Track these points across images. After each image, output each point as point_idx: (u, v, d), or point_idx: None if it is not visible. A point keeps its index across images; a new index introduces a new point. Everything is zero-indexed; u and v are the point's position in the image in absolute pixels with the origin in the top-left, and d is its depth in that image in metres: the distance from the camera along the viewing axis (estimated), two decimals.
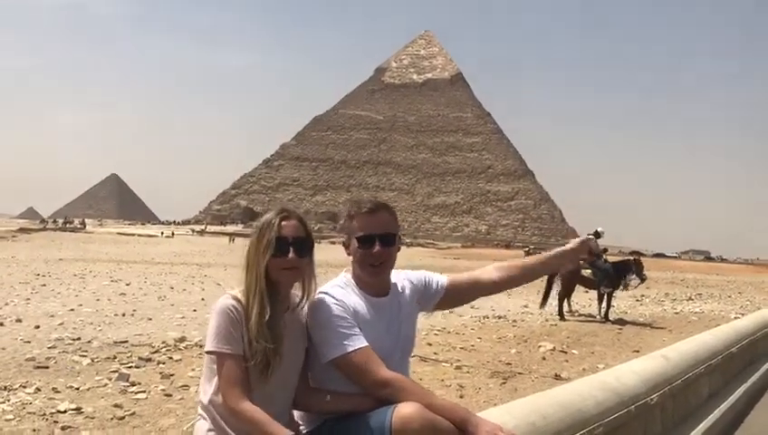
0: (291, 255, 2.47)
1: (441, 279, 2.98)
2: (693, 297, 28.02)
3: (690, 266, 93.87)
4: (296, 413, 2.62)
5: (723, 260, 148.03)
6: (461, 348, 9.77)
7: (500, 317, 14.86)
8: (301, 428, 2.60)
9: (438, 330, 11.62)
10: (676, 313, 19.09)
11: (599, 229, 14.09)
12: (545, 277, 16.42)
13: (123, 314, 13.42)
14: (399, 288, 2.83)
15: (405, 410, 2.27)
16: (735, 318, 14.10)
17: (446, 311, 15.39)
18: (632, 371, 4.52)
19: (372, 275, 2.68)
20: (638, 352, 9.83)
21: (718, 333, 7.87)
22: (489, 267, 3.02)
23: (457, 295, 2.97)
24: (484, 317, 14.70)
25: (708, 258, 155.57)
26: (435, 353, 9.03)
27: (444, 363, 8.32)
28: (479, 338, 11.02)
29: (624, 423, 3.88)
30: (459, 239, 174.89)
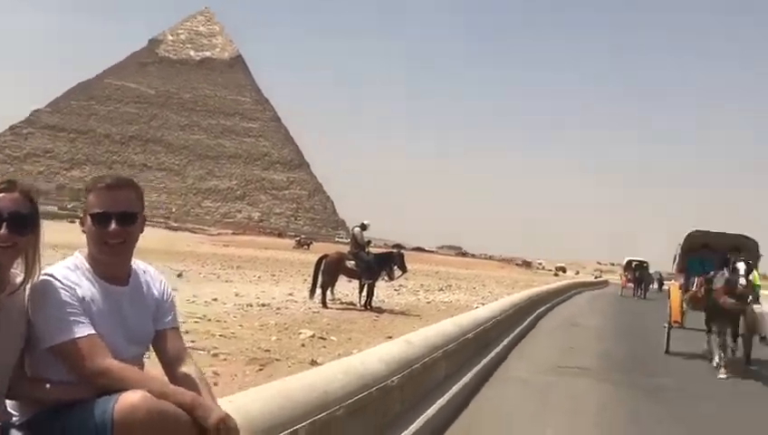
0: (2, 230, 2.20)
1: (169, 319, 2.65)
2: (444, 288, 30.70)
3: (444, 260, 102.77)
4: (9, 403, 2.35)
5: (472, 256, 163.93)
6: (220, 335, 9.61)
7: (264, 305, 14.89)
8: (14, 419, 2.34)
9: (198, 318, 11.31)
10: (428, 302, 20.75)
11: (365, 222, 14.98)
12: (313, 267, 16.82)
13: None
14: (143, 282, 2.64)
15: (130, 398, 2.14)
16: (477, 307, 15.68)
17: (210, 299, 15.08)
18: (377, 355, 4.81)
19: (109, 255, 2.48)
20: (390, 337, 10.47)
21: (458, 320, 8.70)
22: (185, 369, 2.55)
23: (157, 348, 2.63)
24: (248, 305, 14.62)
25: (461, 253, 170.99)
26: (192, 341, 8.75)
27: (200, 351, 8.10)
28: (240, 326, 10.93)
29: (366, 404, 4.12)
30: (231, 226, 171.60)
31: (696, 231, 12.60)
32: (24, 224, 2.27)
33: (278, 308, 14.41)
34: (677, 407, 7.80)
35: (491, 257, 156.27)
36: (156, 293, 2.67)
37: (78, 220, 2.51)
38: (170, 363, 2.58)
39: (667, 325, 12.38)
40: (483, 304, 16.68)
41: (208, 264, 35.32)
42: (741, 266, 9.78)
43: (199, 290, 17.31)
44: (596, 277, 76.14)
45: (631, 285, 37.76)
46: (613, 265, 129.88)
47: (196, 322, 10.77)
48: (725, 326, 10.27)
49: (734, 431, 6.87)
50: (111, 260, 2.51)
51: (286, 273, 32.67)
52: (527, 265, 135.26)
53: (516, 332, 13.00)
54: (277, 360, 8.11)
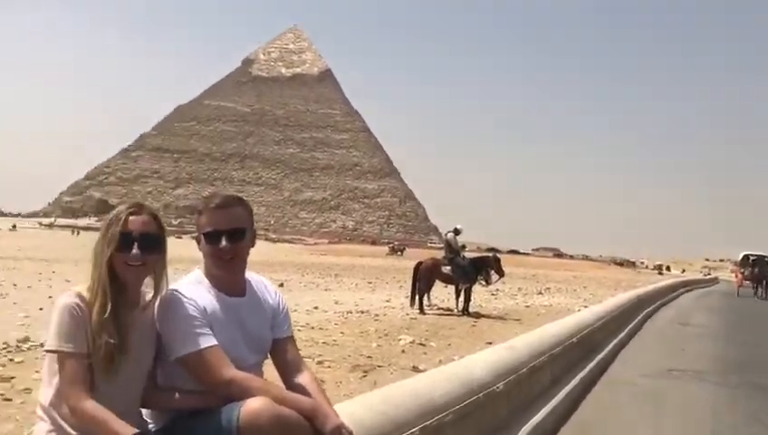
0: (134, 250, 2.39)
1: (286, 328, 2.83)
2: (542, 291, 30.00)
3: (541, 262, 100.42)
4: (145, 412, 2.56)
5: (570, 257, 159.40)
6: (323, 343, 9.84)
7: (363, 312, 15.12)
8: (150, 426, 2.54)
9: (302, 326, 11.63)
10: (527, 306, 20.35)
11: (458, 227, 14.97)
12: (411, 273, 16.93)
13: None
14: (259, 293, 2.80)
15: (253, 404, 2.28)
16: (579, 310, 15.24)
17: (311, 307, 15.47)
18: (481, 361, 4.80)
19: (222, 269, 2.64)
20: (491, 343, 10.35)
21: (561, 324, 8.52)
22: (303, 377, 2.71)
23: (275, 357, 2.79)
24: (347, 312, 14.89)
25: (557, 255, 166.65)
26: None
27: (305, 359, 8.34)
28: (342, 333, 11.15)
29: (473, 411, 4.12)
30: (327, 235, 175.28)
31: None
32: (154, 244, 2.46)
33: (377, 315, 14.59)
34: None
35: (588, 258, 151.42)
36: (271, 302, 2.83)
37: (184, 236, 2.68)
38: (288, 371, 2.72)
39: None
40: (585, 307, 16.21)
41: (307, 273, 36.21)
42: None
43: (300, 299, 17.79)
44: (705, 275, 72.13)
45: (748, 282, 35.13)
46: (722, 261, 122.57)
47: (299, 330, 11.09)
48: None
49: None
50: (226, 274, 2.67)
51: (382, 280, 32.98)
52: (630, 264, 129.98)
53: (623, 334, 12.55)
54: (379, 366, 8.22)
